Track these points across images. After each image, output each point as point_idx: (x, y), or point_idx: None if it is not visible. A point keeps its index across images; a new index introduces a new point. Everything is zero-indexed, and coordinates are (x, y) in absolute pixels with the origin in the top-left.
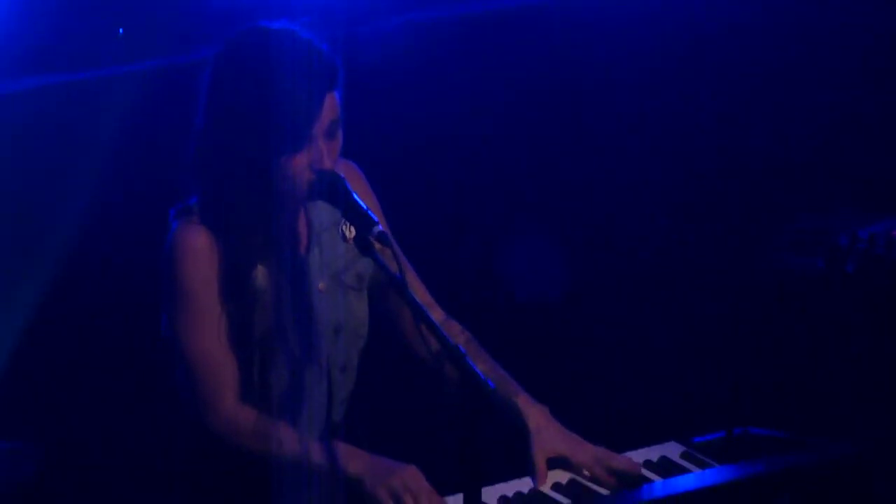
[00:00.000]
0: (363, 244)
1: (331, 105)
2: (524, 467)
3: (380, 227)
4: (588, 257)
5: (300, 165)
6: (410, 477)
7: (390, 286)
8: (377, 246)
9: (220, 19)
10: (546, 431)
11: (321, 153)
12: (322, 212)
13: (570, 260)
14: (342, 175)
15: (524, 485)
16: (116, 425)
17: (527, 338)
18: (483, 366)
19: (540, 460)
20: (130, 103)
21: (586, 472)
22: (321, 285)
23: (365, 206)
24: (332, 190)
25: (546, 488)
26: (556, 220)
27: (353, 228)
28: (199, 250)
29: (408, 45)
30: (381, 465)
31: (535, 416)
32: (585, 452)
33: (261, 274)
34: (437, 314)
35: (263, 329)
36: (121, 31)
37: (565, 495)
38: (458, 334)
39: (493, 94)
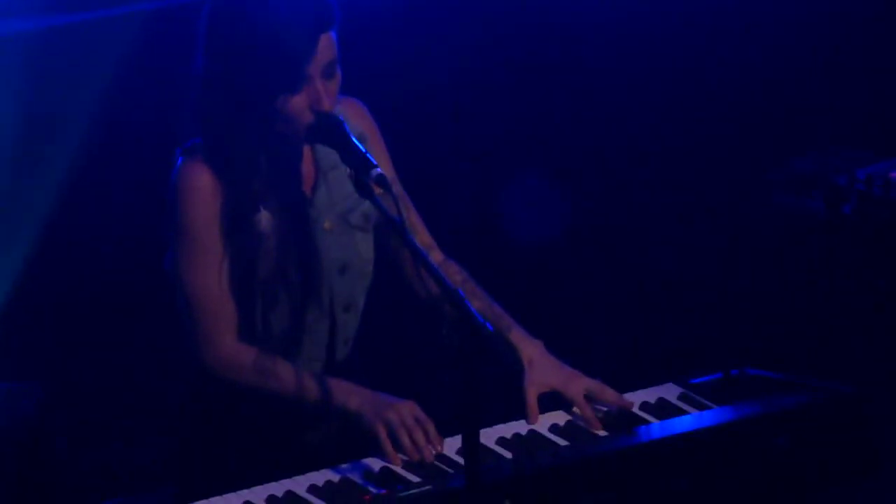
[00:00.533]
0: (362, 187)
1: (327, 45)
2: (519, 406)
3: (378, 170)
4: (585, 196)
5: (299, 106)
6: (408, 410)
7: (390, 229)
8: (376, 189)
9: None
10: (539, 366)
11: (320, 94)
12: (331, 151)
13: (567, 198)
14: (341, 117)
15: (522, 427)
16: (116, 364)
17: (524, 277)
18: (478, 303)
19: (532, 395)
20: (129, 44)
21: (575, 410)
22: (327, 224)
23: (363, 149)
24: (329, 132)
25: (543, 429)
26: (553, 158)
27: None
28: (201, 189)
29: None
30: (379, 400)
31: (529, 350)
32: (578, 385)
33: (265, 218)
34: (436, 255)
35: (266, 272)
36: None
37: (563, 437)
38: (455, 274)
39: (493, 30)
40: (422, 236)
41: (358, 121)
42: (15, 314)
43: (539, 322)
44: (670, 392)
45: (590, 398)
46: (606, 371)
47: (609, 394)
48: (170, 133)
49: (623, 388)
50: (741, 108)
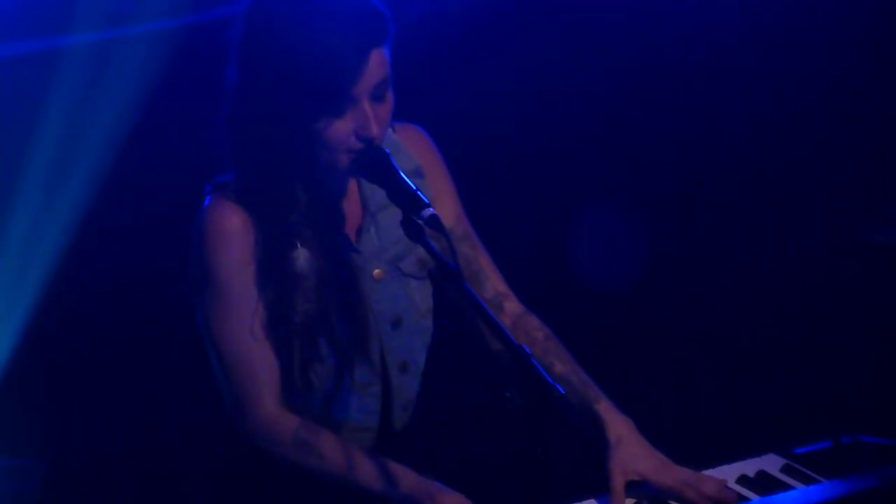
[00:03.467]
0: (411, 229)
1: (378, 62)
2: (598, 485)
3: (430, 211)
4: (670, 243)
5: (343, 131)
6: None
7: (444, 277)
8: (429, 232)
9: None
10: (628, 447)
11: (367, 118)
12: (380, 189)
13: (649, 245)
14: (387, 150)
15: None
16: (123, 439)
17: (602, 333)
18: (562, 367)
19: (618, 481)
20: (159, 63)
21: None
22: (377, 272)
23: (413, 186)
24: (373, 166)
25: None
26: (632, 199)
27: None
28: (231, 232)
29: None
30: (425, 491)
31: (618, 427)
32: (672, 476)
33: (302, 256)
34: (511, 305)
35: (304, 316)
36: None
37: None
38: (535, 330)
39: (564, 54)
40: (494, 282)
41: (415, 151)
42: (18, 387)
43: (619, 381)
44: (772, 464)
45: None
46: (700, 439)
47: (708, 485)
48: (199, 162)
49: (718, 459)
50: (830, 153)
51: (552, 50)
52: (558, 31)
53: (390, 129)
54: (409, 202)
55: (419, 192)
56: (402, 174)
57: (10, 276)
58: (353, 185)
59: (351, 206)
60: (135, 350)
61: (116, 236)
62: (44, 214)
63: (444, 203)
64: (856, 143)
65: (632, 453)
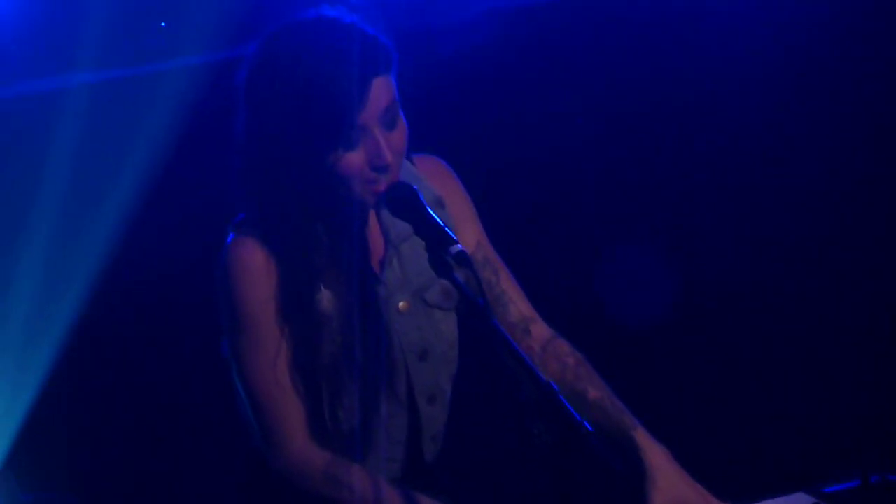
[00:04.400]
0: (439, 265)
1: (382, 89)
2: None
3: (458, 247)
4: (699, 273)
5: (356, 163)
6: None
7: (472, 313)
8: (456, 268)
9: (279, 10)
10: (667, 478)
11: (379, 146)
12: (399, 220)
13: (677, 274)
14: (415, 186)
15: None
16: (152, 473)
17: (629, 366)
18: (596, 393)
19: None
20: (175, 100)
21: None
22: (402, 304)
23: (441, 222)
24: (402, 204)
25: None
26: (665, 225)
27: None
28: (254, 269)
29: (491, 34)
30: None
31: (655, 457)
32: None
33: (325, 298)
34: (539, 331)
35: (330, 358)
36: (163, 24)
37: None
38: (566, 356)
39: (585, 87)
40: (518, 306)
41: (435, 181)
42: (48, 422)
43: (645, 417)
44: (802, 503)
45: None
46: (728, 477)
47: None
48: (219, 197)
49: (747, 497)
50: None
51: (578, 75)
52: (582, 57)
53: (409, 162)
54: (437, 238)
55: (447, 229)
56: (431, 211)
57: (37, 314)
58: (372, 215)
59: (372, 238)
60: (164, 386)
61: (144, 270)
62: (72, 250)
63: (464, 230)
64: None
65: (672, 483)
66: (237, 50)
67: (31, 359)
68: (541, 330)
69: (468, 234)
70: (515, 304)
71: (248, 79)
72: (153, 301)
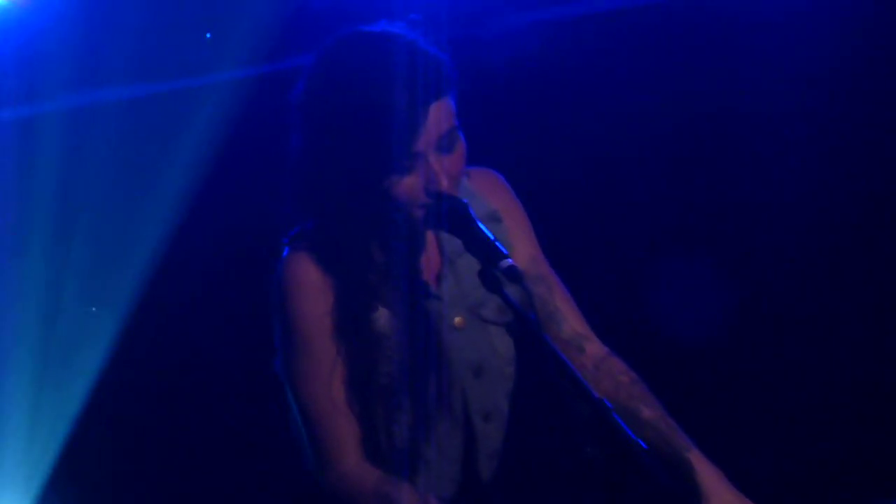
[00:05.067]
0: (489, 280)
1: (442, 114)
2: None
3: (508, 262)
4: (752, 295)
5: (411, 188)
6: None
7: (524, 330)
8: (507, 283)
9: (322, 23)
10: (723, 499)
11: (435, 172)
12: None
13: (731, 294)
14: (465, 200)
15: None
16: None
17: (684, 386)
18: (650, 413)
19: None
20: (226, 113)
21: None
22: (457, 320)
23: (492, 237)
24: (451, 218)
25: None
26: (715, 241)
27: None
28: (309, 285)
29: (539, 45)
30: None
31: (709, 478)
32: None
33: (383, 317)
34: (593, 348)
35: (387, 377)
36: (208, 35)
37: None
38: (620, 374)
39: (637, 98)
40: (572, 323)
41: (490, 195)
42: (93, 442)
43: (697, 434)
44: None
45: None
46: (781, 499)
47: None
48: (271, 212)
49: None
50: None
51: (630, 87)
52: (637, 68)
53: (464, 177)
54: (486, 253)
55: (497, 244)
56: (480, 224)
57: (78, 332)
58: (430, 232)
59: (429, 253)
60: (212, 406)
61: (189, 285)
62: (118, 264)
63: (518, 244)
64: None
65: None
66: (282, 62)
67: (74, 379)
68: (595, 348)
69: (522, 249)
70: (569, 321)
71: (305, 93)
72: (195, 318)
